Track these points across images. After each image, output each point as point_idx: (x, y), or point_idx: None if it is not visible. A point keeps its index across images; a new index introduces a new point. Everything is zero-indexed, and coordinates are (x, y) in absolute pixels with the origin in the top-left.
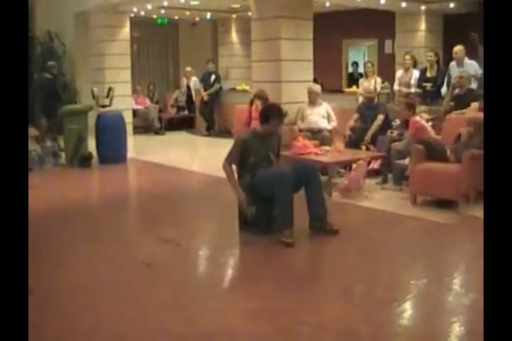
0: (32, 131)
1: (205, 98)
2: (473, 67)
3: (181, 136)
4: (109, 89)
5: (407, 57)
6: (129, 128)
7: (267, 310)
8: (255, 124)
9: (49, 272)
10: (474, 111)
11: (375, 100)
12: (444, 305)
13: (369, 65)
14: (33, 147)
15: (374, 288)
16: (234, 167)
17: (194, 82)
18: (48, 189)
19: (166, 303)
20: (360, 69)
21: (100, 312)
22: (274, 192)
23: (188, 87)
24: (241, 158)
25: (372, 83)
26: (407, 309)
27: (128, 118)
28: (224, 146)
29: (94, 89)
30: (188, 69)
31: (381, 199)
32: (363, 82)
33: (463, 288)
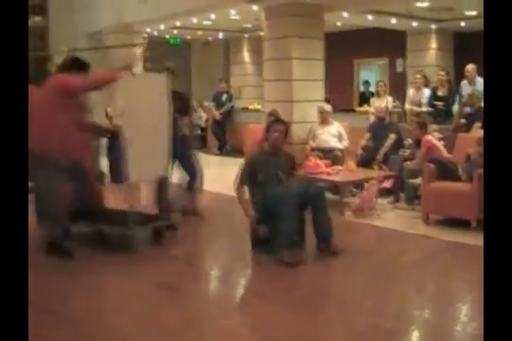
0: None
1: (217, 117)
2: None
3: None
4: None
5: (418, 76)
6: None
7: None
8: None
9: (66, 291)
10: (477, 129)
11: (387, 119)
12: (452, 336)
13: (381, 83)
14: None
15: (378, 315)
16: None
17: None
18: None
19: (178, 321)
20: (372, 89)
21: (115, 331)
22: (278, 211)
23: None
24: (251, 177)
25: (384, 102)
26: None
27: None
28: (236, 165)
29: (108, 108)
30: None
31: (393, 218)
32: (375, 101)
33: (475, 313)
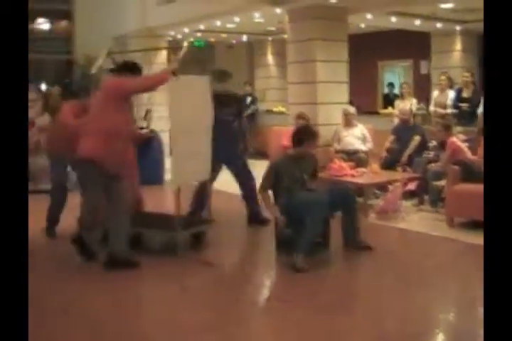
0: None
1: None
2: None
3: None
4: (147, 111)
5: (443, 77)
6: (167, 150)
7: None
8: None
9: (86, 290)
10: None
11: (411, 121)
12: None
13: (405, 85)
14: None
15: (403, 318)
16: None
17: None
18: None
19: (202, 324)
20: (396, 91)
21: (138, 333)
22: (306, 217)
23: None
24: (275, 181)
25: (408, 104)
26: None
27: (165, 139)
28: (259, 168)
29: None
30: None
31: (417, 220)
32: (399, 104)
33: None
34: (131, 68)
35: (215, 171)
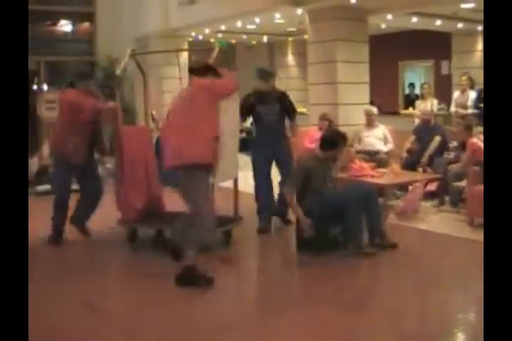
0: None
1: None
2: None
3: None
4: (169, 112)
5: (464, 78)
6: None
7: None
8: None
9: (110, 289)
10: None
11: (432, 122)
12: None
13: (426, 86)
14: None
15: (423, 318)
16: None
17: None
18: (107, 209)
19: (224, 322)
20: (417, 91)
21: (161, 330)
22: (346, 212)
23: None
24: (303, 182)
25: (429, 105)
26: None
27: None
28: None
29: (154, 112)
30: None
31: (438, 221)
32: (420, 104)
33: None
34: (213, 70)
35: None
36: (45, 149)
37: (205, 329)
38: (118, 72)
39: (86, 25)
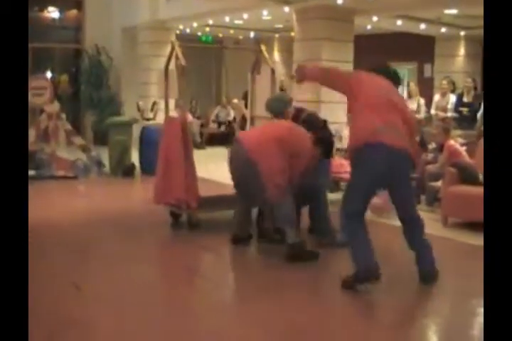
0: (79, 140)
1: (246, 115)
2: None
3: (221, 151)
4: (154, 103)
5: (445, 82)
6: None
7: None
8: None
9: (96, 273)
10: None
11: None
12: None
13: (411, 84)
14: (78, 156)
15: (387, 309)
16: None
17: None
18: (91, 197)
19: (204, 306)
20: (401, 91)
21: (149, 312)
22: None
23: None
24: None
25: (415, 104)
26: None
27: None
28: None
29: (140, 102)
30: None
31: None
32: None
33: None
34: None
35: None
36: (32, 135)
37: (187, 311)
38: (183, 62)
39: (74, 12)
